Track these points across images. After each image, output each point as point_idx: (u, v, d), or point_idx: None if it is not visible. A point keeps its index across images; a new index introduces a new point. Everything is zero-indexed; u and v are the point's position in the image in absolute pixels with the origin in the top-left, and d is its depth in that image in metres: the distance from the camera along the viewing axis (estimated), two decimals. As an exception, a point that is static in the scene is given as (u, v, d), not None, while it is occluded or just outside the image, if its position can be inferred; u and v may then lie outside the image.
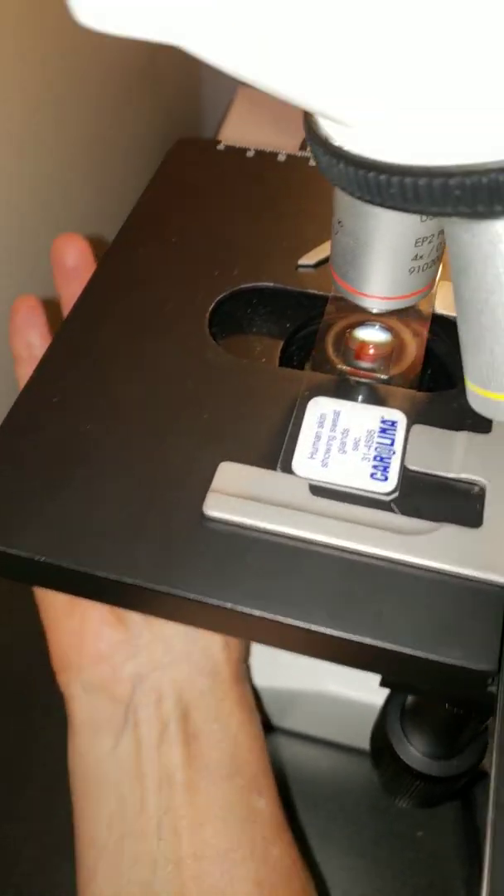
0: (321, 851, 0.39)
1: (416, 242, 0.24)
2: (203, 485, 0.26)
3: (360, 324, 0.31)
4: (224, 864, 0.30)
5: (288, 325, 0.34)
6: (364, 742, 0.36)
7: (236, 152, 0.40)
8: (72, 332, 0.32)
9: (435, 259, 0.25)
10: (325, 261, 0.34)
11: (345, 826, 0.40)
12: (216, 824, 0.30)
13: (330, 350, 0.30)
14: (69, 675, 0.33)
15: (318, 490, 0.26)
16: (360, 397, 0.29)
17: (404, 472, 0.26)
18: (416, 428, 0.27)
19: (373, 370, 0.30)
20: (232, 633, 0.27)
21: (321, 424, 0.28)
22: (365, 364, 0.30)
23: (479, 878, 0.18)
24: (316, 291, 0.33)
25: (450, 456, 0.27)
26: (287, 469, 0.27)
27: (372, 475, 0.26)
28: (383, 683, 0.27)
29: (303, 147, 0.43)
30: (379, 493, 0.26)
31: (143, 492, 0.26)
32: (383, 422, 0.28)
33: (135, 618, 0.33)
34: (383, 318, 0.31)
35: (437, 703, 0.28)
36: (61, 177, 0.46)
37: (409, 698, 0.32)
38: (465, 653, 0.23)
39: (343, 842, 0.40)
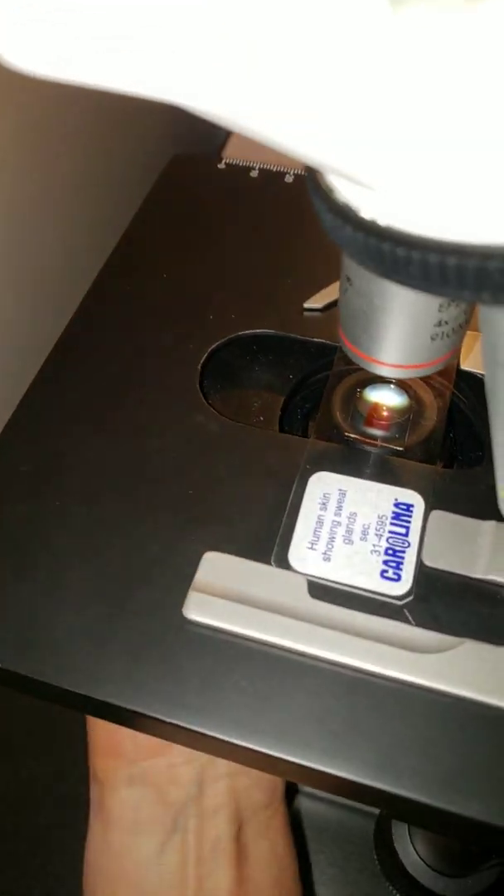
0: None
1: (441, 308, 0.20)
2: (184, 579, 0.22)
3: (373, 383, 0.27)
4: None
5: (291, 378, 0.30)
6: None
7: (238, 171, 0.36)
8: (44, 385, 0.28)
9: (462, 323, 0.21)
10: (333, 303, 0.30)
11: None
12: None
13: (337, 413, 0.26)
14: (116, 764, 0.29)
15: (317, 589, 0.22)
16: (370, 473, 0.25)
17: (420, 569, 0.23)
18: (436, 514, 0.23)
19: (386, 439, 0.26)
20: (216, 755, 0.23)
21: (324, 506, 0.24)
22: (377, 431, 0.26)
23: None
24: (323, 340, 0.29)
25: (475, 551, 0.23)
26: (282, 562, 0.23)
27: (382, 573, 0.22)
28: (389, 816, 0.23)
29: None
30: (390, 597, 0.22)
31: (114, 587, 0.23)
32: (397, 505, 0.24)
33: None
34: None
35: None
36: (52, 196, 0.42)
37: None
38: (485, 806, 0.19)
39: None
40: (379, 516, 0.24)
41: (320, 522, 0.24)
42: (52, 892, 0.37)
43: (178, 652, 0.21)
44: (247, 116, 0.13)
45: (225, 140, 0.55)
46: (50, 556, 0.23)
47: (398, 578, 0.22)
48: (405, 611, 0.22)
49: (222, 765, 0.29)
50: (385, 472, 0.25)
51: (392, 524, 0.23)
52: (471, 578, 0.22)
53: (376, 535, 0.23)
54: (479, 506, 0.24)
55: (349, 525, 0.23)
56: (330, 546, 0.23)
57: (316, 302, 0.30)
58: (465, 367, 0.27)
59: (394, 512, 0.24)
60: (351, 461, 0.25)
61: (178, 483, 0.25)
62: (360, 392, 0.26)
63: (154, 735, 0.23)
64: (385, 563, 0.23)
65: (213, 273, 0.32)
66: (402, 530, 0.23)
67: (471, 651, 0.21)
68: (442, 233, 0.14)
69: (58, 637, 0.22)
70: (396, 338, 0.21)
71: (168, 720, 0.20)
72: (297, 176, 0.36)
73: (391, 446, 0.26)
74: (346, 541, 0.23)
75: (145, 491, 0.25)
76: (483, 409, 0.19)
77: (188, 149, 0.55)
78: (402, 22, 0.11)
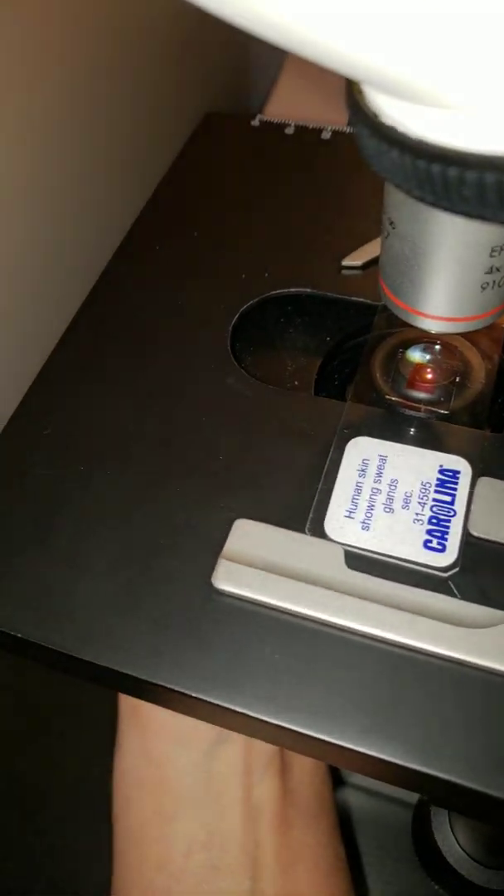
0: None
1: (492, 252, 0.18)
2: (213, 548, 0.21)
3: (416, 343, 0.25)
4: None
5: (328, 340, 0.28)
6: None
7: (273, 128, 0.34)
8: (71, 346, 0.27)
9: (515, 271, 0.19)
10: (374, 261, 0.28)
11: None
12: (308, 865, 0.27)
13: (377, 375, 0.25)
14: None
15: (355, 560, 0.21)
16: (412, 438, 0.23)
17: (467, 539, 0.21)
18: (484, 481, 0.22)
19: (430, 402, 0.24)
20: (246, 733, 0.22)
21: (363, 473, 0.22)
22: (420, 394, 0.24)
23: None
24: (363, 299, 0.27)
25: (526, 520, 0.21)
26: (318, 531, 0.21)
27: (426, 543, 0.21)
28: (430, 801, 0.22)
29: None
30: (434, 568, 0.21)
31: (140, 555, 0.21)
32: (442, 471, 0.22)
33: None
34: (444, 337, 0.25)
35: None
36: (87, 153, 0.41)
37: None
38: None
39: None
40: (422, 483, 0.22)
41: (358, 489, 0.22)
42: (76, 871, 0.36)
43: (205, 623, 0.20)
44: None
45: (262, 103, 0.54)
46: (73, 522, 0.22)
47: (443, 549, 0.21)
48: (450, 583, 0.20)
49: None
50: (429, 438, 0.23)
51: (436, 491, 0.22)
52: (522, 549, 0.21)
53: (419, 503, 0.22)
54: (531, 472, 0.22)
55: (390, 492, 0.22)
56: (369, 514, 0.21)
57: (355, 259, 0.28)
58: (515, 326, 0.25)
59: (438, 479, 0.22)
60: (392, 426, 0.24)
61: (207, 448, 0.23)
62: (403, 352, 0.25)
63: (178, 710, 0.22)
64: (429, 532, 0.21)
65: (245, 231, 0.30)
66: (448, 498, 0.22)
67: (521, 626, 0.19)
68: (500, 146, 0.12)
69: (80, 606, 0.21)
70: (443, 287, 0.19)
71: (194, 695, 0.19)
72: (334, 132, 0.34)
73: (435, 410, 0.24)
74: (387, 509, 0.22)
75: (173, 456, 0.23)
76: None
77: (234, 108, 0.53)
78: None
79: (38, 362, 0.26)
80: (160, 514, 0.22)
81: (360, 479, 0.22)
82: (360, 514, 0.21)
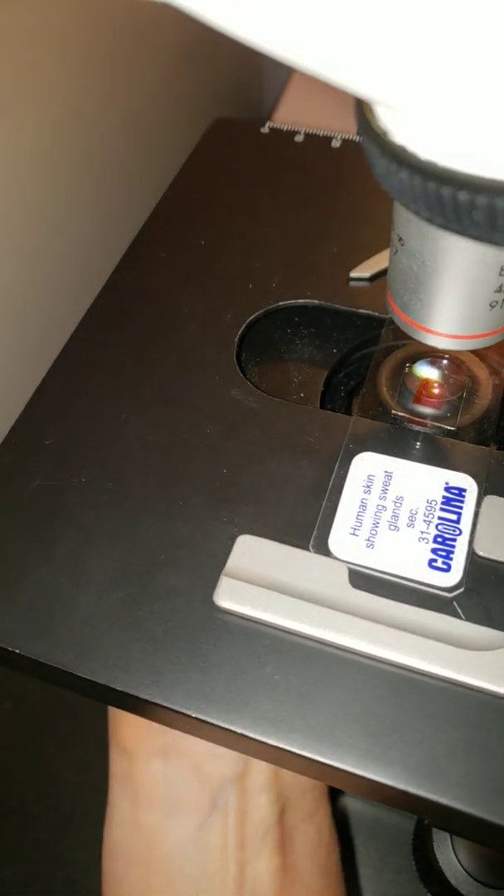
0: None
1: (502, 271, 0.18)
2: (215, 564, 0.21)
3: (423, 357, 0.25)
4: None
5: (335, 352, 0.28)
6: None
7: (283, 136, 0.34)
8: (74, 355, 0.27)
9: (525, 290, 0.19)
10: (382, 273, 0.28)
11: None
12: None
13: (383, 389, 0.25)
14: (147, 732, 0.26)
15: (359, 578, 0.21)
16: (419, 454, 0.23)
17: (472, 559, 0.21)
18: (491, 500, 0.22)
19: (437, 418, 0.24)
20: (246, 753, 0.21)
21: (368, 489, 0.22)
22: (427, 410, 0.24)
23: None
24: (370, 312, 0.27)
25: (533, 540, 0.21)
26: (322, 548, 0.21)
27: (431, 563, 0.21)
28: (431, 824, 0.22)
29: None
30: (439, 588, 0.20)
31: (140, 570, 0.21)
32: (448, 489, 0.22)
33: None
34: (452, 352, 0.25)
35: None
36: (96, 158, 0.40)
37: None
38: None
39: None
40: (428, 501, 0.22)
41: (364, 506, 0.22)
42: (74, 879, 0.36)
43: (206, 641, 0.20)
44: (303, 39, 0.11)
45: (272, 108, 0.53)
46: (72, 535, 0.22)
47: (448, 569, 0.20)
48: (455, 604, 0.20)
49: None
50: (435, 454, 0.23)
51: (442, 510, 0.22)
52: (528, 570, 0.20)
53: (424, 521, 0.21)
54: (539, 491, 0.22)
55: (395, 510, 0.22)
56: (374, 532, 0.21)
57: (363, 271, 0.28)
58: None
59: (444, 496, 0.22)
60: (398, 441, 0.23)
61: (211, 461, 0.23)
62: (410, 367, 0.25)
63: (178, 729, 0.22)
64: (434, 551, 0.21)
65: (253, 240, 0.30)
66: (453, 517, 0.21)
67: (527, 650, 0.19)
68: (512, 172, 0.12)
69: (78, 622, 0.20)
70: (451, 304, 0.19)
71: (193, 715, 0.19)
72: (344, 141, 0.34)
73: (442, 426, 0.24)
74: (392, 527, 0.21)
75: (176, 468, 0.23)
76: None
77: (243, 115, 0.53)
78: None
79: (41, 370, 0.26)
80: (162, 528, 0.22)
81: (366, 496, 0.22)
82: (364, 532, 0.21)
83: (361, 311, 0.27)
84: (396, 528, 0.21)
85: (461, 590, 0.20)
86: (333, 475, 0.22)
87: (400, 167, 0.14)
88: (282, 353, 0.28)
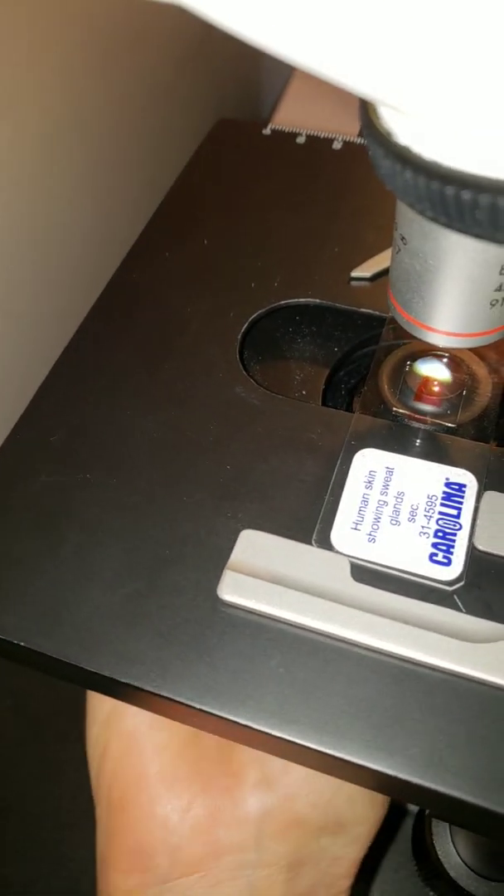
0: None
1: (503, 270, 0.18)
2: (219, 558, 0.21)
3: (424, 355, 0.25)
4: None
5: (336, 350, 0.28)
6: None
7: (284, 137, 0.34)
8: (79, 353, 0.27)
9: (525, 289, 0.20)
10: (383, 273, 0.28)
11: None
12: None
13: (385, 387, 0.25)
14: (142, 879, 0.24)
15: (361, 572, 0.21)
16: (419, 450, 0.23)
17: (472, 553, 0.21)
18: (490, 495, 0.22)
19: (437, 415, 0.24)
20: (250, 745, 0.22)
21: (369, 485, 0.22)
22: (427, 407, 0.24)
23: None
24: (371, 311, 0.27)
25: (532, 535, 0.21)
26: (324, 542, 0.21)
27: (431, 557, 0.21)
28: (432, 815, 0.22)
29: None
30: (439, 582, 0.21)
31: (145, 565, 0.22)
32: (448, 485, 0.22)
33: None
34: (452, 350, 0.25)
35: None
36: (99, 159, 0.41)
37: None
38: None
39: None
40: (428, 496, 0.22)
41: (365, 501, 0.22)
42: (75, 877, 0.36)
43: (210, 635, 0.20)
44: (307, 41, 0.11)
45: (272, 110, 0.54)
46: (78, 531, 0.22)
47: (448, 563, 0.21)
48: (455, 597, 0.20)
49: (278, 885, 0.24)
50: (435, 451, 0.23)
51: (442, 505, 0.22)
52: (527, 565, 0.21)
53: (425, 516, 0.22)
54: (538, 487, 0.22)
55: (396, 505, 0.22)
56: (375, 527, 0.22)
57: (364, 271, 0.28)
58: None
59: (444, 492, 0.22)
60: (399, 438, 0.24)
61: (214, 457, 0.24)
62: (411, 365, 0.25)
63: (184, 722, 0.22)
64: (434, 545, 0.21)
65: (255, 240, 0.30)
66: (454, 512, 0.22)
67: (526, 642, 0.19)
68: (514, 171, 0.12)
69: (84, 616, 0.21)
70: (452, 303, 0.19)
71: (198, 706, 0.19)
72: (345, 143, 0.34)
73: (442, 423, 0.24)
74: (393, 521, 0.22)
75: (180, 465, 0.23)
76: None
77: (243, 116, 0.53)
78: None
79: (45, 368, 0.26)
80: (166, 523, 0.22)
81: (367, 491, 0.22)
82: (366, 526, 0.22)
83: (362, 310, 0.27)
84: (398, 523, 0.22)
85: (461, 583, 0.21)
86: (335, 471, 0.23)
87: (404, 167, 0.14)
88: (284, 352, 0.28)
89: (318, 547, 0.21)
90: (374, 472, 0.23)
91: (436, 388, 0.25)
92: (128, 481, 0.23)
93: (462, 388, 0.24)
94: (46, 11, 0.34)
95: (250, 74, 0.63)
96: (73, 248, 0.39)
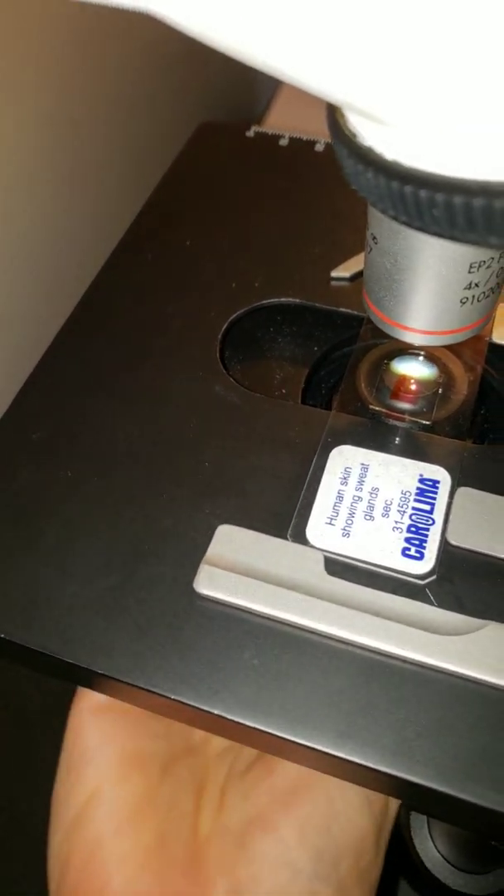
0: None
1: (471, 268, 0.19)
2: (196, 553, 0.22)
3: (401, 354, 0.25)
4: None
5: (315, 349, 0.28)
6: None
7: (267, 139, 0.35)
8: (61, 352, 0.27)
9: (494, 287, 0.20)
10: (362, 273, 0.28)
11: None
12: None
13: (362, 385, 0.25)
14: None
15: (335, 566, 0.21)
16: (395, 447, 0.24)
17: (445, 548, 0.21)
18: (463, 491, 0.22)
19: (413, 413, 0.25)
20: (225, 736, 0.22)
21: (345, 481, 0.23)
22: (404, 405, 0.25)
23: None
24: (350, 311, 0.28)
25: (503, 530, 0.21)
26: (299, 537, 0.22)
27: (404, 551, 0.21)
28: (406, 806, 0.22)
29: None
30: (412, 576, 0.21)
31: (124, 559, 0.22)
32: (422, 481, 0.23)
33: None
34: (428, 349, 0.25)
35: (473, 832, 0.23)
36: (90, 160, 0.41)
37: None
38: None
39: None
40: (402, 492, 0.22)
41: (340, 497, 0.22)
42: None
43: (186, 627, 0.20)
44: (268, 45, 0.12)
45: (261, 114, 0.54)
46: (59, 526, 0.23)
47: (420, 557, 0.21)
48: (427, 591, 0.21)
49: None
50: (411, 447, 0.24)
51: (416, 500, 0.22)
52: (498, 558, 0.21)
53: (399, 511, 0.22)
54: (510, 483, 0.22)
55: (371, 500, 0.22)
56: (349, 522, 0.22)
57: (344, 271, 0.29)
58: (496, 339, 0.25)
59: (418, 488, 0.22)
60: (375, 435, 0.24)
61: (193, 454, 0.24)
62: (387, 363, 0.25)
63: (160, 713, 0.22)
64: (407, 540, 0.21)
65: (237, 241, 0.31)
66: (427, 507, 0.22)
67: (494, 634, 0.20)
68: (467, 171, 0.13)
69: (63, 609, 0.21)
70: (423, 301, 0.20)
71: (173, 697, 0.19)
72: (328, 145, 0.35)
73: (418, 420, 0.24)
74: (367, 517, 0.22)
75: (160, 462, 0.24)
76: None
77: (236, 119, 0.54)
78: None
79: (29, 367, 0.27)
80: (145, 518, 0.23)
81: (342, 487, 0.23)
82: (340, 522, 0.22)
83: (342, 309, 0.28)
84: (372, 518, 0.22)
85: (433, 577, 0.21)
86: (312, 467, 0.23)
87: (367, 167, 0.14)
88: (265, 351, 0.29)
89: (294, 541, 0.22)
90: (350, 468, 0.23)
91: (412, 386, 0.25)
92: (108, 478, 0.24)
93: (438, 386, 0.25)
94: (37, 12, 0.34)
95: (243, 77, 0.63)
96: (58, 248, 0.39)
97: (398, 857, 0.29)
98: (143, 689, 0.20)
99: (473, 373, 0.25)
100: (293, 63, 0.12)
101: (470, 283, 0.19)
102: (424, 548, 0.21)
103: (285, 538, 0.22)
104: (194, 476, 0.23)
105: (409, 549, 0.21)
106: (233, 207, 0.32)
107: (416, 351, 0.25)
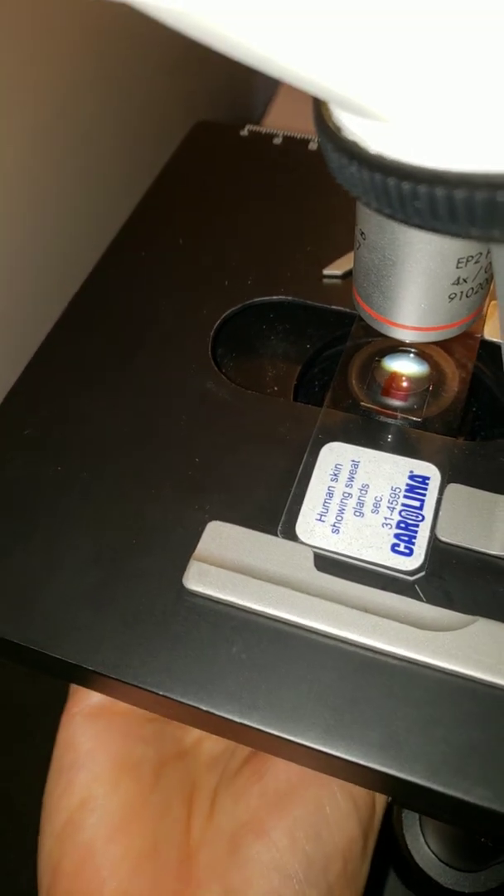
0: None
1: (458, 263, 0.19)
2: (186, 548, 0.22)
3: (392, 351, 0.25)
4: None
5: (308, 347, 0.28)
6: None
7: (261, 138, 0.35)
8: (54, 349, 0.27)
9: (482, 283, 0.20)
10: (354, 271, 0.29)
11: None
12: None
13: (353, 382, 0.25)
14: None
15: (324, 562, 0.21)
16: (385, 444, 0.24)
17: (434, 544, 0.21)
18: (453, 488, 0.22)
19: (404, 410, 0.25)
20: (212, 732, 0.22)
21: (335, 477, 0.23)
22: (395, 402, 0.25)
23: None
24: (343, 308, 0.28)
25: (492, 526, 0.21)
26: (289, 534, 0.22)
27: (393, 547, 0.21)
28: (395, 803, 0.22)
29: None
30: (401, 572, 0.21)
31: (113, 554, 0.22)
32: (412, 477, 0.23)
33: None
34: (419, 345, 0.25)
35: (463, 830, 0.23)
36: (87, 159, 0.41)
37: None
38: (491, 792, 0.18)
39: None
40: (392, 489, 0.22)
41: (330, 494, 0.22)
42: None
43: (175, 623, 0.20)
44: (250, 34, 0.12)
45: (263, 112, 0.54)
46: (49, 521, 0.23)
47: (410, 553, 0.21)
48: (416, 587, 0.21)
49: None
50: (401, 444, 0.24)
51: (406, 497, 0.22)
52: (486, 555, 0.21)
53: (388, 507, 0.22)
54: (499, 480, 0.22)
55: (360, 497, 0.22)
56: (339, 518, 0.22)
57: (335, 269, 0.29)
58: (488, 337, 0.25)
59: (408, 484, 0.22)
60: (366, 432, 0.24)
61: (184, 450, 0.24)
62: (378, 361, 0.25)
63: (147, 709, 0.22)
64: (397, 536, 0.21)
65: (230, 239, 0.31)
66: (417, 503, 0.22)
67: (483, 630, 0.20)
68: (449, 163, 0.13)
69: (51, 603, 0.21)
70: (412, 297, 0.20)
71: (161, 693, 0.19)
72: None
73: (409, 417, 0.24)
74: (357, 513, 0.22)
75: (150, 457, 0.24)
76: None
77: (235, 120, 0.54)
78: None
79: (20, 363, 0.27)
80: (135, 514, 0.23)
81: (333, 484, 0.23)
82: (330, 518, 0.22)
83: (334, 307, 0.28)
84: (361, 515, 0.22)
85: (422, 573, 0.21)
86: (302, 464, 0.23)
87: (351, 161, 0.14)
88: (257, 349, 0.29)
89: (283, 538, 0.22)
90: (340, 465, 0.23)
91: (403, 383, 0.25)
92: (98, 473, 0.24)
93: (429, 383, 0.25)
94: (35, 13, 0.34)
95: (242, 78, 0.64)
96: (52, 245, 0.39)
97: (390, 856, 0.29)
98: (130, 684, 0.20)
99: (465, 370, 0.25)
100: (286, 57, 0.12)
101: (458, 279, 0.19)
102: (414, 544, 0.21)
103: (275, 534, 0.22)
104: (185, 472, 0.23)
105: (398, 546, 0.21)
106: (226, 205, 0.32)
107: (408, 348, 0.25)
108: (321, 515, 0.22)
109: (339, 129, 0.15)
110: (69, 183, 0.40)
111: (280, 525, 0.22)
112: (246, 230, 0.31)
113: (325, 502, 0.22)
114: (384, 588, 0.21)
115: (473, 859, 0.26)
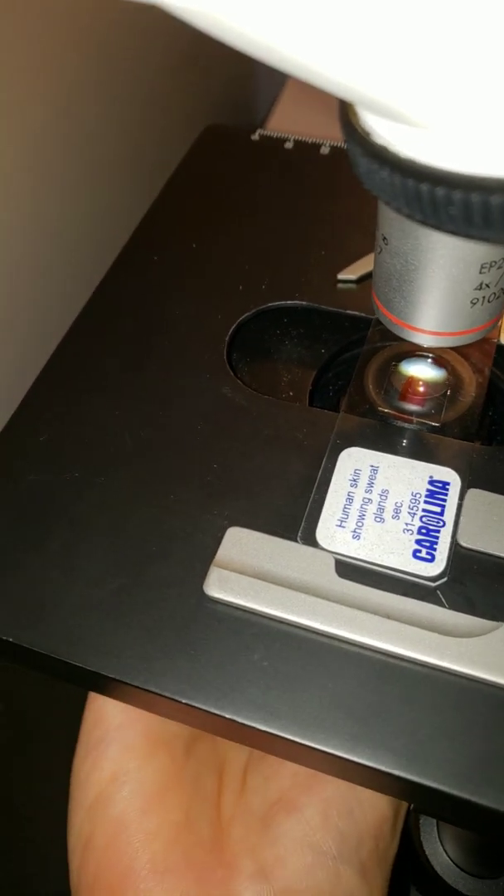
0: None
1: (482, 269, 0.19)
2: (206, 555, 0.21)
3: (409, 356, 0.25)
4: None
5: (323, 352, 0.28)
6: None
7: (272, 142, 0.35)
8: (68, 355, 0.27)
9: (503, 288, 0.20)
10: (368, 275, 0.28)
11: None
12: None
13: (370, 387, 0.25)
14: None
15: (345, 568, 0.21)
16: (404, 449, 0.24)
17: (456, 550, 0.21)
18: (474, 493, 0.22)
19: (422, 415, 0.24)
20: (234, 740, 0.22)
21: (354, 483, 0.23)
22: (412, 407, 0.25)
23: None
24: (357, 313, 0.28)
25: (514, 532, 0.21)
26: (309, 539, 0.22)
27: (415, 553, 0.21)
28: (417, 810, 0.22)
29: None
30: (423, 578, 0.21)
31: (132, 561, 0.22)
32: (432, 483, 0.23)
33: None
34: (436, 350, 0.25)
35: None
36: (89, 164, 0.41)
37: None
38: None
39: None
40: (412, 494, 0.22)
41: (350, 499, 0.22)
42: (66, 879, 0.36)
43: (196, 630, 0.20)
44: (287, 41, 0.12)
45: (266, 115, 0.54)
46: (66, 528, 0.23)
47: (431, 559, 0.21)
48: (438, 593, 0.21)
49: None
50: (420, 449, 0.24)
51: (426, 502, 0.22)
52: (509, 561, 0.21)
53: (409, 513, 0.22)
54: (521, 485, 0.22)
55: (381, 503, 0.22)
56: (360, 524, 0.22)
57: (350, 273, 0.28)
58: (506, 341, 0.25)
59: (428, 490, 0.22)
60: (384, 437, 0.24)
61: (202, 456, 0.24)
62: (395, 365, 0.25)
63: (169, 717, 0.22)
64: (418, 542, 0.21)
65: (243, 244, 0.31)
66: (437, 509, 0.22)
67: (507, 636, 0.19)
68: (485, 169, 0.13)
69: (72, 612, 0.21)
70: (433, 302, 0.20)
71: (183, 701, 0.19)
72: (333, 147, 0.35)
73: (426, 422, 0.24)
74: (378, 519, 0.22)
75: (168, 463, 0.24)
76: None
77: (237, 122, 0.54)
78: None
79: (35, 370, 0.27)
80: (154, 521, 0.22)
81: (352, 489, 0.23)
82: (350, 524, 0.22)
83: (349, 312, 0.28)
84: (382, 520, 0.22)
85: (444, 579, 0.21)
86: (321, 470, 0.23)
87: (381, 166, 0.14)
88: (271, 354, 0.29)
89: (303, 544, 0.22)
90: (359, 470, 0.23)
91: (420, 388, 0.25)
92: (115, 480, 0.23)
93: (446, 387, 0.25)
94: (39, 16, 0.34)
95: (245, 80, 0.64)
96: (64, 251, 0.39)
97: (407, 861, 0.29)
98: (151, 692, 0.20)
99: (481, 374, 0.25)
100: (326, 65, 0.12)
101: (481, 284, 0.19)
102: (435, 550, 0.21)
103: (295, 540, 0.22)
104: (202, 478, 0.23)
105: (419, 552, 0.21)
106: (238, 210, 0.32)
107: (425, 353, 0.25)
108: (341, 521, 0.22)
109: (368, 133, 0.15)
110: (71, 187, 0.40)
111: (300, 531, 0.22)
112: (259, 235, 0.31)
113: (346, 508, 0.22)
114: (406, 594, 0.21)
115: (493, 866, 0.26)
